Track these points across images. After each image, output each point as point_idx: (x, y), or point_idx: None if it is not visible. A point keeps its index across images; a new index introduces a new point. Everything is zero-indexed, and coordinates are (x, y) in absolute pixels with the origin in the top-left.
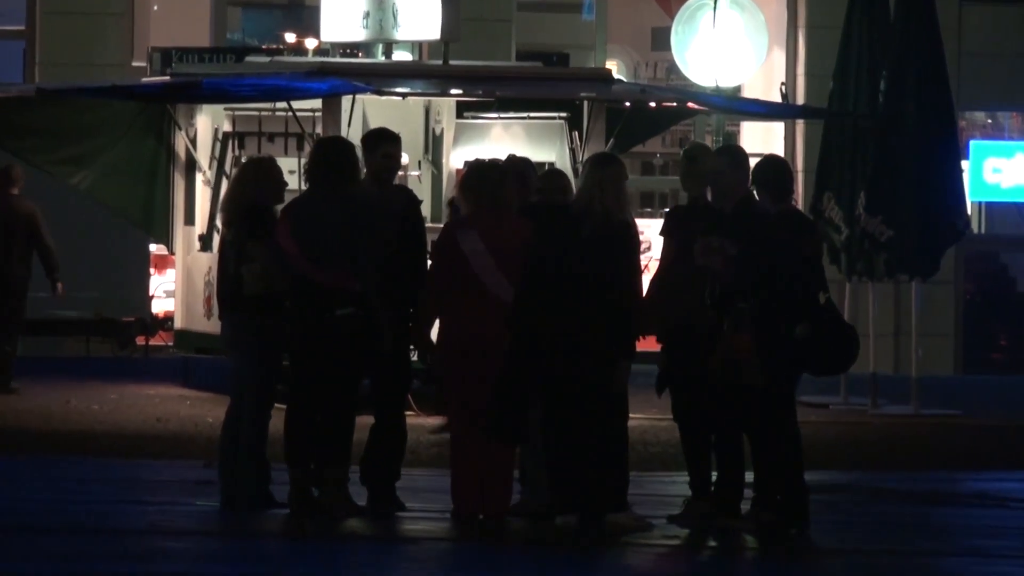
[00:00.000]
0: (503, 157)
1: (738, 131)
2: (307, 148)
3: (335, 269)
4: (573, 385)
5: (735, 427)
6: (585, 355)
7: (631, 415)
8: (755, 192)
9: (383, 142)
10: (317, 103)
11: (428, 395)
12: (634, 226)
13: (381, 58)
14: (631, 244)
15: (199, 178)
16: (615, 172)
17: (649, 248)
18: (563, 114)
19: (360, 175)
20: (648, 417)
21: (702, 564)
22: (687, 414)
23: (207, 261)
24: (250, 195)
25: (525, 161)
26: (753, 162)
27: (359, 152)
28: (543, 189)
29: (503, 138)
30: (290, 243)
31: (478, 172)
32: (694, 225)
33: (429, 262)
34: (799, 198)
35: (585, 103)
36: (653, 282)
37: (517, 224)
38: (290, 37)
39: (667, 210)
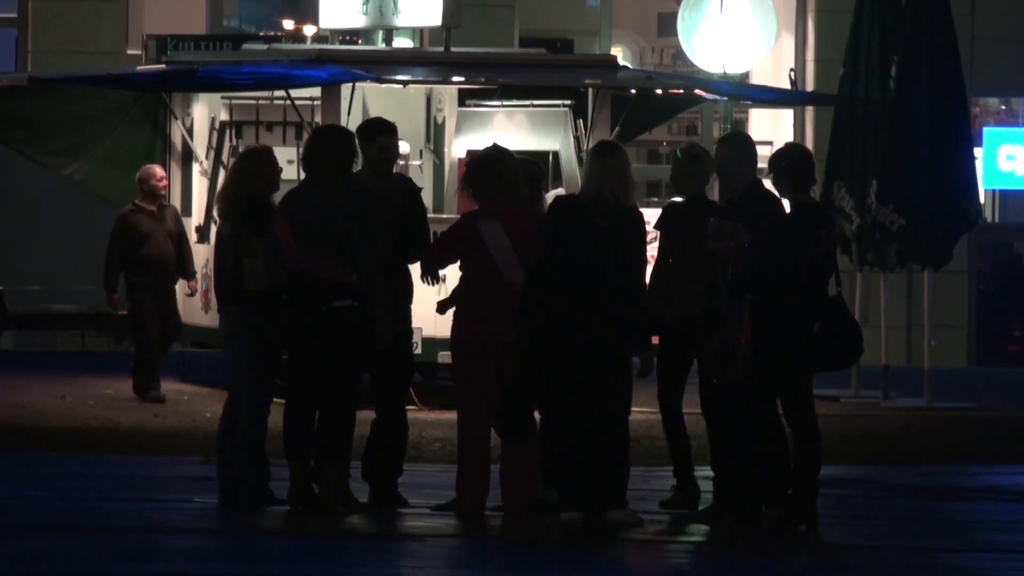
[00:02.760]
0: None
1: (746, 118)
2: (306, 137)
3: (332, 261)
4: (583, 380)
5: (740, 423)
6: (598, 347)
7: (639, 409)
8: (773, 180)
9: (379, 133)
10: (316, 91)
11: (430, 389)
12: (642, 215)
13: (381, 45)
14: (642, 233)
15: (196, 169)
16: (620, 160)
17: (656, 239)
18: (567, 102)
19: (357, 165)
20: (656, 412)
21: (706, 560)
22: (674, 403)
23: (204, 253)
24: (248, 187)
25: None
26: (760, 150)
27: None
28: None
29: (506, 126)
30: (287, 234)
31: (491, 161)
32: (693, 222)
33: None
34: None
35: (590, 90)
36: (651, 277)
37: (534, 215)
38: (288, 24)
39: (666, 204)
